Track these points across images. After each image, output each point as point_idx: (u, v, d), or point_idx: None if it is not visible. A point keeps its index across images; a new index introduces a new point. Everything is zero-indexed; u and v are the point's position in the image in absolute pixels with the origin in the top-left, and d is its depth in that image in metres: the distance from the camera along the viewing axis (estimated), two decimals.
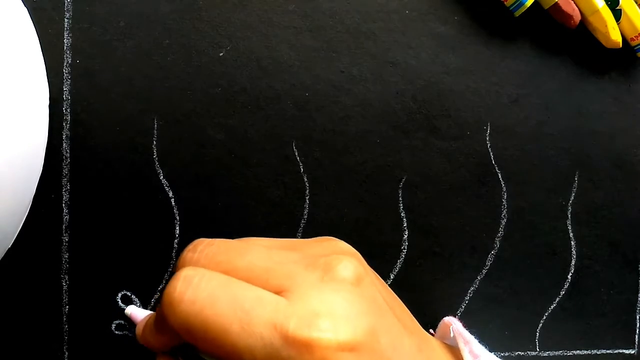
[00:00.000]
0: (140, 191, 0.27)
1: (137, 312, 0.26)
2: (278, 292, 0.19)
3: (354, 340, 0.18)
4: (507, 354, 0.31)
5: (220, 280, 0.19)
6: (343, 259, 0.20)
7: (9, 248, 0.25)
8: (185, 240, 0.27)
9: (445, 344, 0.25)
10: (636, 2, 0.29)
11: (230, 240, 0.22)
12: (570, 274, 0.31)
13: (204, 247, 0.21)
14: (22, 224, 0.26)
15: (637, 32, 0.29)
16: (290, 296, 0.19)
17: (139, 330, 0.24)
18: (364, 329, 0.19)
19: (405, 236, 0.29)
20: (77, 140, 0.26)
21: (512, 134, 0.30)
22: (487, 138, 0.30)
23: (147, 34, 0.27)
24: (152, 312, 0.26)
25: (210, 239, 0.22)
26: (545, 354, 0.31)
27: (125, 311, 0.27)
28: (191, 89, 0.27)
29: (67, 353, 0.27)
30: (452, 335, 0.25)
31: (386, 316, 0.21)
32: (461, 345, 0.24)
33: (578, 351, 0.32)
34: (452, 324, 0.25)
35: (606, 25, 0.29)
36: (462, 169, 0.30)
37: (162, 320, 0.21)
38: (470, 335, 0.24)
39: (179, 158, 0.27)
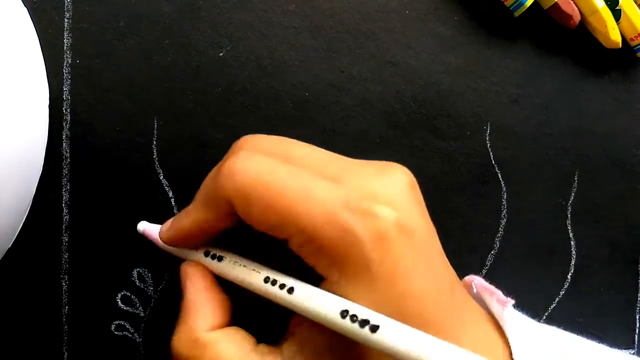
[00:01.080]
0: (140, 191, 0.27)
1: (151, 227, 0.25)
2: (335, 181, 0.18)
3: (412, 227, 0.18)
4: None
5: (278, 161, 0.19)
6: (398, 166, 0.20)
7: (9, 248, 0.25)
8: None
9: None
10: (636, 3, 0.29)
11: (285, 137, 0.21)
12: (570, 274, 0.31)
13: (260, 136, 0.21)
14: (22, 224, 0.26)
15: (637, 32, 0.29)
16: (349, 182, 0.18)
17: (164, 227, 0.23)
18: (420, 223, 0.18)
19: None
20: (77, 140, 0.26)
21: (512, 134, 0.30)
22: (487, 138, 0.30)
23: (147, 34, 0.27)
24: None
25: (263, 135, 0.21)
26: None
27: (138, 227, 0.25)
28: (191, 89, 0.27)
29: (66, 353, 0.27)
30: (474, 291, 0.24)
31: (433, 231, 0.20)
32: (487, 298, 0.23)
33: None
34: (474, 280, 0.25)
35: (606, 26, 0.29)
36: (462, 168, 0.30)
37: (213, 195, 0.20)
38: (495, 288, 0.24)
39: (179, 158, 0.27)
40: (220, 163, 0.20)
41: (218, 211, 0.20)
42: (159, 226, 0.25)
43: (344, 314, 0.16)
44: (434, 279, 0.18)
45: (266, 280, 0.19)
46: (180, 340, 0.20)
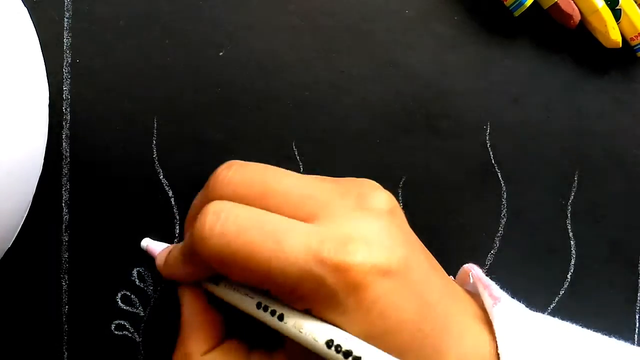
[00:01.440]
0: (140, 191, 0.27)
1: (154, 245, 0.26)
2: (312, 219, 0.19)
3: (388, 265, 0.18)
4: None
5: (249, 212, 0.19)
6: (377, 190, 0.21)
7: (9, 248, 0.25)
8: None
9: (466, 289, 0.25)
10: (636, 2, 0.29)
11: (265, 164, 0.21)
12: (570, 274, 0.31)
13: (239, 167, 0.21)
14: (22, 224, 0.26)
15: (637, 32, 0.29)
16: (325, 222, 0.19)
17: (160, 261, 0.24)
18: (398, 257, 0.19)
19: None
20: (77, 140, 0.26)
21: (512, 134, 0.30)
22: (487, 137, 0.30)
23: (147, 34, 0.27)
24: (169, 244, 0.26)
25: (245, 161, 0.22)
26: None
27: (142, 244, 0.26)
28: (191, 89, 0.27)
29: (66, 353, 0.27)
30: (471, 281, 0.25)
31: (417, 250, 0.21)
32: (480, 290, 0.23)
33: None
34: (472, 270, 0.25)
35: (606, 25, 0.29)
36: (462, 168, 0.30)
37: (191, 254, 0.21)
38: (490, 280, 0.24)
39: (179, 158, 0.27)
40: (196, 213, 0.21)
41: (200, 266, 0.21)
42: (161, 245, 0.26)
43: (329, 343, 0.17)
44: (416, 307, 0.19)
45: (258, 305, 0.20)
46: None
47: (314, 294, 0.18)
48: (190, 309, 0.23)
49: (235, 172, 0.21)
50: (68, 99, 0.26)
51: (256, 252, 0.18)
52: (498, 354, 0.20)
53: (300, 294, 0.18)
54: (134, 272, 0.27)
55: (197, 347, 0.22)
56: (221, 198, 0.20)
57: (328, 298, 0.18)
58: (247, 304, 0.21)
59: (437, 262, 0.23)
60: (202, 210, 0.20)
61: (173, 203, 0.27)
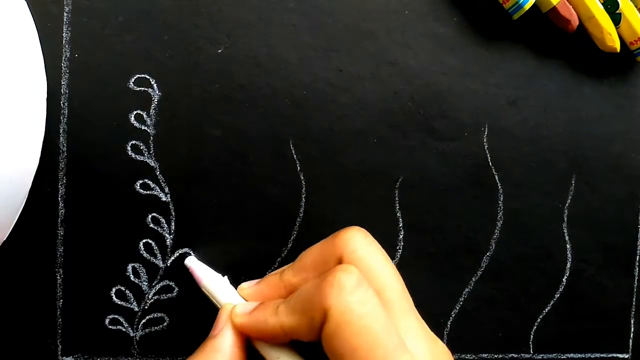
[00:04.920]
0: (137, 186, 0.27)
1: (200, 267, 0.26)
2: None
3: None
4: (500, 356, 0.31)
5: (377, 306, 0.20)
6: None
7: (4, 241, 0.25)
8: (180, 237, 0.27)
9: None
10: (636, 6, 0.29)
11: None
12: (565, 277, 0.31)
13: (363, 252, 0.22)
14: (17, 217, 0.26)
15: (637, 36, 0.29)
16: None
17: (241, 310, 0.23)
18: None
19: (401, 236, 0.29)
20: (74, 134, 0.26)
21: (510, 136, 0.30)
22: (485, 139, 0.30)
23: (146, 29, 0.27)
24: (220, 274, 0.26)
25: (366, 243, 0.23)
26: (539, 357, 0.31)
27: (186, 262, 0.27)
28: (189, 85, 0.27)
29: (60, 346, 0.27)
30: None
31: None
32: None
33: (572, 354, 0.32)
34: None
35: (602, 31, 0.29)
36: (459, 170, 0.30)
37: (311, 301, 0.20)
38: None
39: (175, 154, 0.27)
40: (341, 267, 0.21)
41: (304, 319, 0.20)
42: (206, 267, 0.26)
43: None
44: None
45: None
46: None
47: None
48: (228, 338, 0.22)
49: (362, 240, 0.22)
50: (66, 93, 0.26)
51: (378, 348, 0.19)
52: None
53: None
54: (129, 267, 0.27)
55: None
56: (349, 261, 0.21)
57: None
58: None
59: None
60: (343, 265, 0.20)
61: (169, 199, 0.27)
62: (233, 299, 0.25)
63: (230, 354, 0.22)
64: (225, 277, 0.26)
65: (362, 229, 0.24)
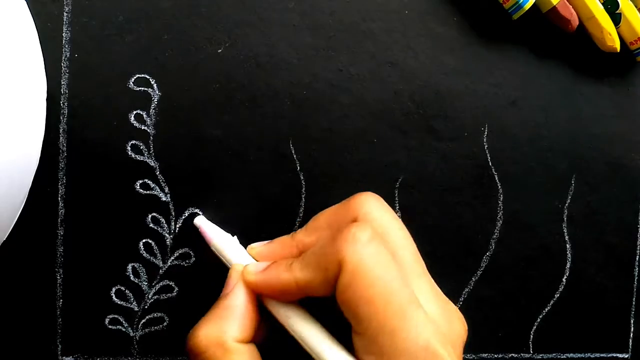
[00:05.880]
0: (136, 186, 0.27)
1: (208, 226, 0.26)
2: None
3: None
4: (500, 355, 0.31)
5: (391, 261, 0.20)
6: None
7: (4, 241, 0.25)
8: (181, 236, 0.27)
9: None
10: (636, 6, 0.29)
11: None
12: (565, 277, 0.31)
13: (378, 213, 0.23)
14: (17, 217, 0.26)
15: (637, 36, 0.29)
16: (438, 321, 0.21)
17: (254, 268, 0.23)
18: None
19: None
20: (74, 134, 0.26)
21: (510, 136, 0.30)
22: (485, 139, 0.30)
23: (146, 30, 0.27)
24: (229, 234, 0.26)
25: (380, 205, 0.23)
26: (539, 357, 0.31)
27: (195, 221, 0.26)
28: (189, 85, 0.27)
29: (60, 346, 0.27)
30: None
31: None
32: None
33: (572, 354, 0.32)
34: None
35: (602, 31, 0.29)
36: (459, 170, 0.30)
37: (326, 254, 0.20)
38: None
39: (175, 153, 0.27)
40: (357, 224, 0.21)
41: (320, 275, 0.20)
42: (215, 227, 0.26)
43: None
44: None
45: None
46: (207, 336, 0.21)
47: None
48: (242, 296, 0.22)
49: (376, 212, 0.22)
50: (66, 93, 0.26)
51: (391, 302, 0.19)
52: None
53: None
54: (129, 267, 0.27)
55: (234, 332, 0.21)
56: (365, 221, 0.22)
57: None
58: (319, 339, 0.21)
59: None
60: (358, 222, 0.21)
61: (169, 199, 0.27)
62: (243, 259, 0.24)
63: (243, 311, 0.22)
64: (235, 237, 0.26)
65: (376, 194, 0.24)
